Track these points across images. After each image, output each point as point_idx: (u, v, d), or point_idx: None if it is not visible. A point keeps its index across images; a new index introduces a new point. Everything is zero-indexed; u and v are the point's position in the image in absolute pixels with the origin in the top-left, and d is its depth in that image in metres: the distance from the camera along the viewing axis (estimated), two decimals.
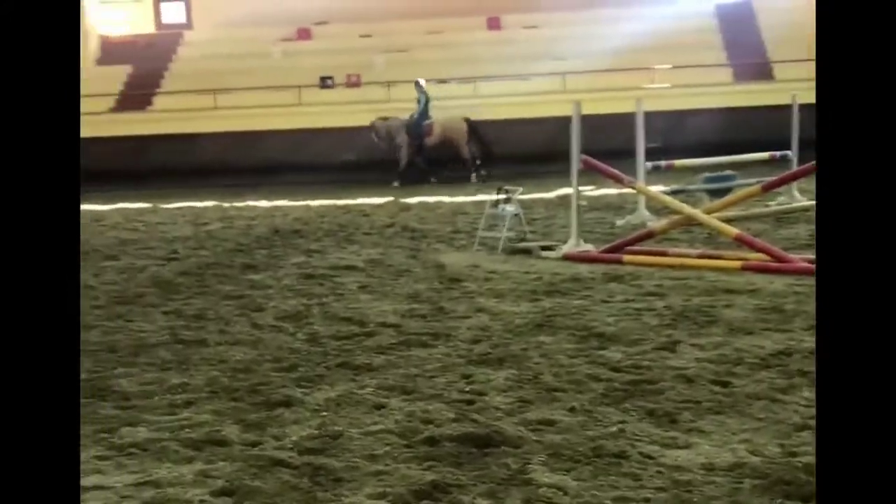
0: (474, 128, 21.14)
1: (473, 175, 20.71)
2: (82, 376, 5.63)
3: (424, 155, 21.31)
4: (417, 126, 21.15)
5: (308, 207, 16.47)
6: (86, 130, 25.13)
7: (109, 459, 4.21)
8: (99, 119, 23.11)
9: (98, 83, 24.54)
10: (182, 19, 29.11)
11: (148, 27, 29.00)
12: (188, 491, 3.80)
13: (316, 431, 4.47)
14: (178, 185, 21.02)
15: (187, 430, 4.57)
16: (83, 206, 17.58)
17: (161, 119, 23.00)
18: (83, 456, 4.23)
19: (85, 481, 3.90)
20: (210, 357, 6.06)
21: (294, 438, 4.39)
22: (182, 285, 8.83)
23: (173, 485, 3.87)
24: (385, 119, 21.47)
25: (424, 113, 21.26)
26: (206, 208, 17.06)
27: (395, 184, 20.57)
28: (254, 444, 4.34)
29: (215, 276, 9.32)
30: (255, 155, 22.56)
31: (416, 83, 21.41)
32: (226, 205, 17.47)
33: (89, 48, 26.58)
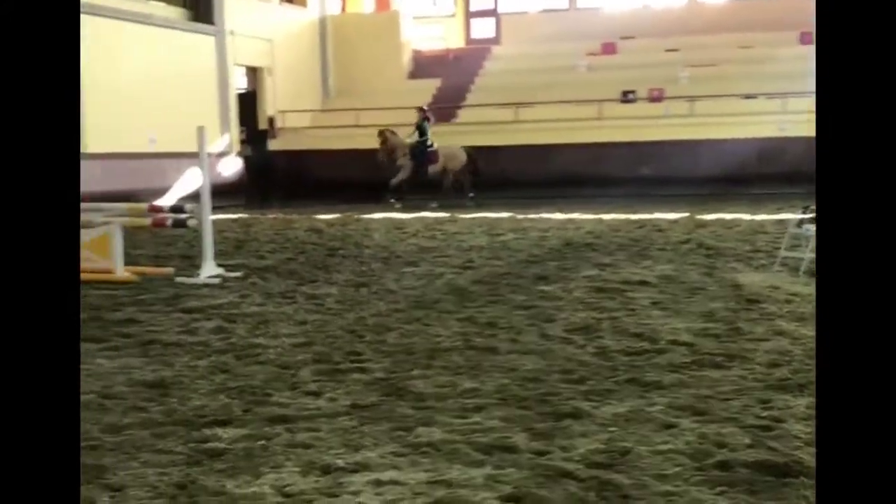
0: (473, 158, 21.17)
1: (434, 203, 20.63)
2: (381, 375, 5.92)
3: (421, 180, 21.53)
4: (422, 152, 21.26)
5: (601, 221, 16.43)
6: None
7: (405, 456, 4.38)
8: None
9: (409, 96, 25.73)
10: (491, 34, 29.97)
11: (458, 42, 30.08)
12: (478, 493, 3.88)
13: (603, 446, 4.44)
14: (476, 196, 21.61)
15: (478, 434, 4.67)
16: (388, 215, 18.52)
17: (464, 131, 23.75)
18: (380, 451, 4.44)
19: (382, 476, 4.09)
20: (500, 364, 6.18)
21: (581, 451, 4.38)
22: (476, 293, 9.06)
23: (464, 486, 3.97)
24: (393, 134, 21.77)
25: (426, 139, 21.40)
26: (500, 219, 17.42)
27: (393, 200, 21.11)
28: (541, 454, 4.37)
29: (508, 285, 9.49)
30: (552, 168, 22.79)
31: (420, 108, 21.70)
32: (520, 216, 17.76)
33: (402, 63, 27.91)
